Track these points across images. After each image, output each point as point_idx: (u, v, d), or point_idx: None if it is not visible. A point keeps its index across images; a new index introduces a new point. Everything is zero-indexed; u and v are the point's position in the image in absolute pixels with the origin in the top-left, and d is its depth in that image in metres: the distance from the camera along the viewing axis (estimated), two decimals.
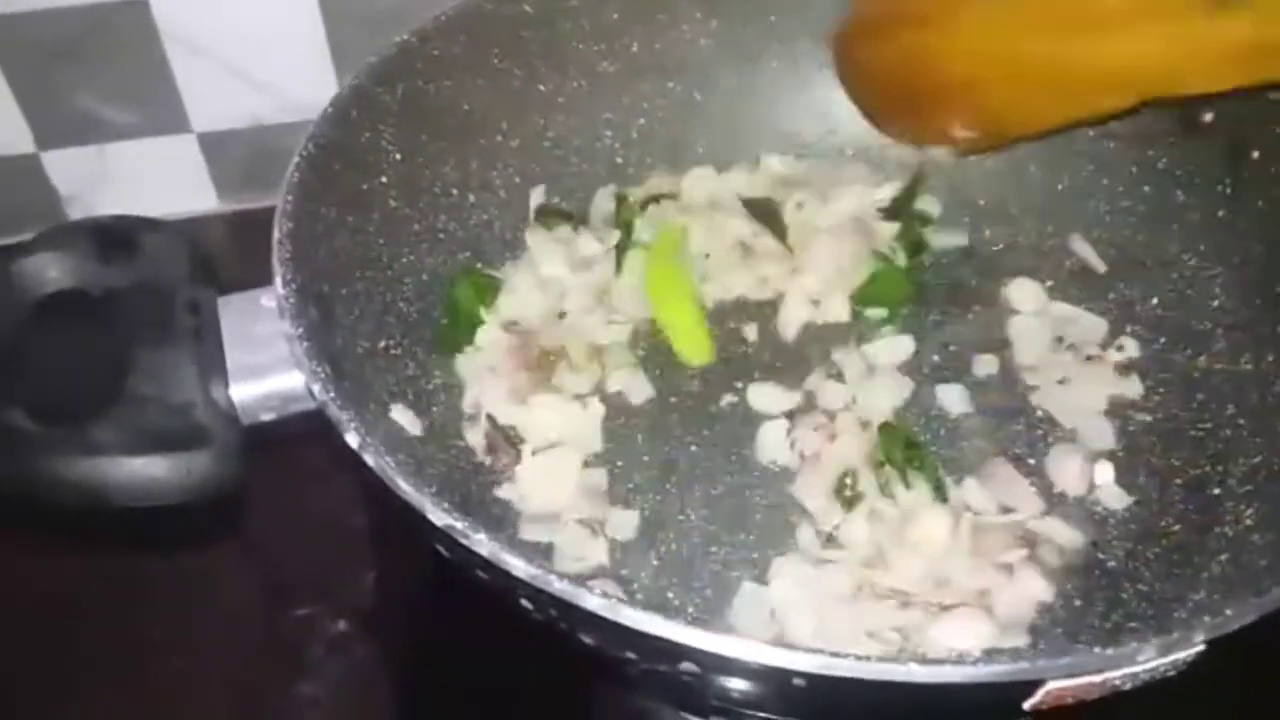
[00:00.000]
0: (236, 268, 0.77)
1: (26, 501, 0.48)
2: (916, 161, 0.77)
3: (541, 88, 0.74)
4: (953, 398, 0.67)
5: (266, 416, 0.51)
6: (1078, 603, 0.58)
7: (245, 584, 0.66)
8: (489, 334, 0.68)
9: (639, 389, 0.67)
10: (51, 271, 0.51)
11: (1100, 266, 0.73)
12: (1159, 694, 0.45)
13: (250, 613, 0.65)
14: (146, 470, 0.46)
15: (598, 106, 0.76)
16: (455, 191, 0.70)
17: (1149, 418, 0.66)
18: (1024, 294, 0.72)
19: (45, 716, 0.61)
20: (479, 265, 0.71)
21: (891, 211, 0.76)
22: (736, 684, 0.45)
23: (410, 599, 0.66)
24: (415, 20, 0.67)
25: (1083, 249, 0.74)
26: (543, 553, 0.60)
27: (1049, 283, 0.73)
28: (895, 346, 0.69)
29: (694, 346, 0.69)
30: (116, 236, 0.52)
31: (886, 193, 0.78)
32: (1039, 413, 0.66)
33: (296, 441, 0.54)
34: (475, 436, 0.64)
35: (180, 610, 0.65)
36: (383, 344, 0.61)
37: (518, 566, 0.42)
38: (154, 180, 0.86)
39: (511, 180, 0.73)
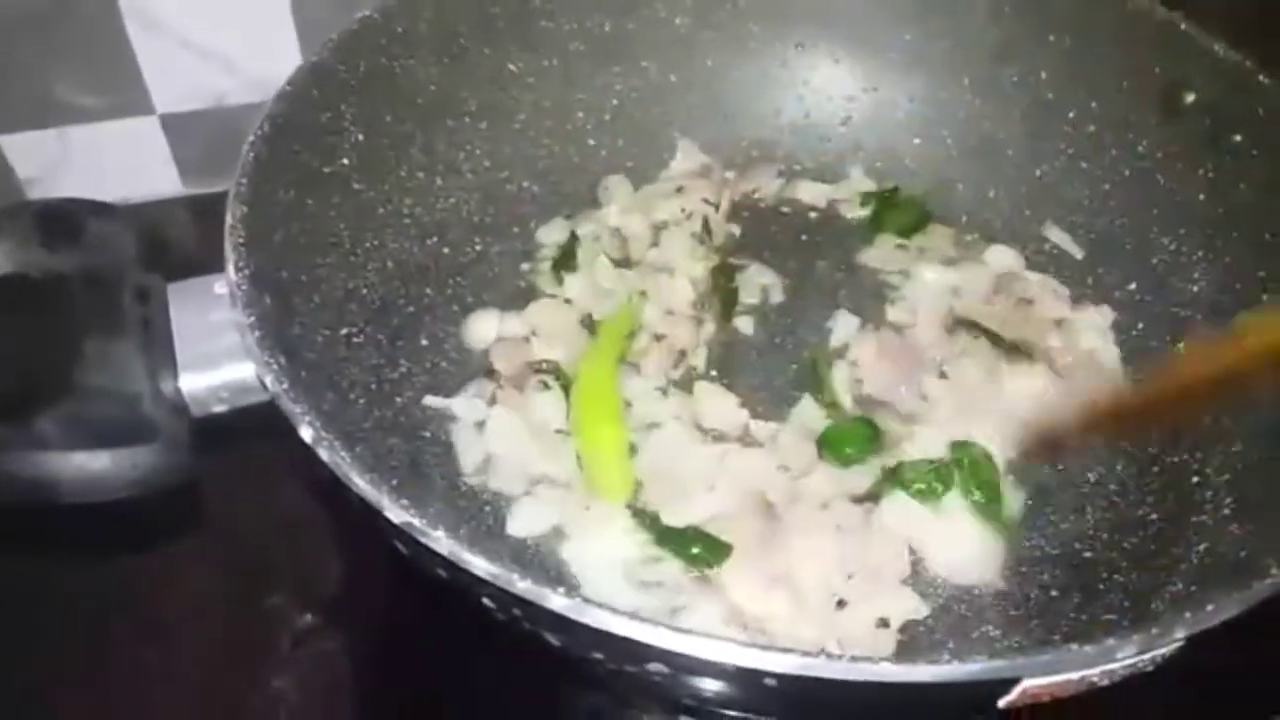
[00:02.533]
0: (200, 253, 0.74)
1: None
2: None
3: (511, 67, 0.72)
4: None
5: (218, 408, 0.49)
6: (1054, 594, 0.57)
7: (212, 578, 0.64)
8: None
9: None
10: None
11: (1077, 252, 0.73)
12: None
13: (217, 607, 0.63)
14: (91, 465, 0.44)
15: (569, 87, 0.75)
16: (421, 174, 0.68)
17: None
18: (1002, 259, 0.73)
19: (9, 711, 0.59)
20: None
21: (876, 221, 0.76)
22: (708, 684, 0.44)
23: (377, 590, 0.65)
24: None
25: (1058, 236, 0.73)
26: (510, 552, 0.58)
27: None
28: None
29: (612, 482, 0.60)
30: (61, 221, 0.50)
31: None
32: None
33: (261, 431, 0.52)
34: None
35: (146, 606, 0.63)
36: (344, 332, 0.59)
37: (478, 565, 0.40)
38: (116, 163, 0.84)
39: (480, 163, 0.72)
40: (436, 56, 0.68)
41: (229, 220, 0.51)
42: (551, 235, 0.73)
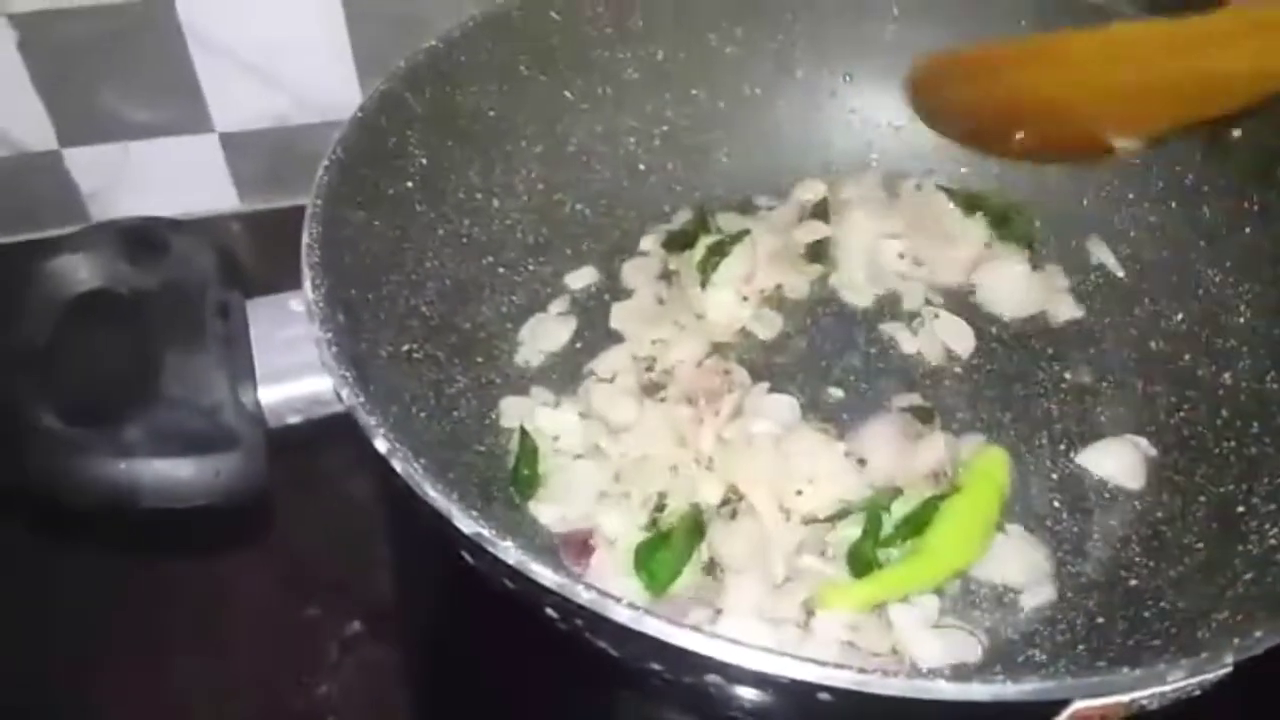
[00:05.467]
0: (257, 267, 0.77)
1: (55, 501, 0.48)
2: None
3: (566, 94, 0.74)
4: None
5: (293, 419, 0.51)
6: (1100, 620, 0.58)
7: (268, 584, 0.66)
8: None
9: None
10: (81, 272, 0.51)
11: (1119, 270, 0.74)
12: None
13: (273, 613, 0.65)
14: (175, 472, 0.46)
15: (622, 113, 0.76)
16: (479, 196, 0.70)
17: (1173, 435, 0.65)
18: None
19: (74, 711, 0.61)
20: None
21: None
22: (761, 696, 0.45)
23: (431, 601, 0.66)
24: (437, 22, 0.68)
25: (1103, 253, 0.74)
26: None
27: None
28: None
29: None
30: (145, 238, 0.52)
31: None
32: None
33: (318, 443, 0.54)
34: None
35: (204, 610, 0.65)
36: (405, 348, 0.61)
37: (545, 576, 0.42)
38: (176, 179, 0.87)
39: (534, 186, 0.73)
40: (496, 84, 0.70)
41: (305, 239, 0.53)
42: (579, 281, 0.74)
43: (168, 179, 0.87)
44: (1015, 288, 0.73)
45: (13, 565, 0.66)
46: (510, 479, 0.63)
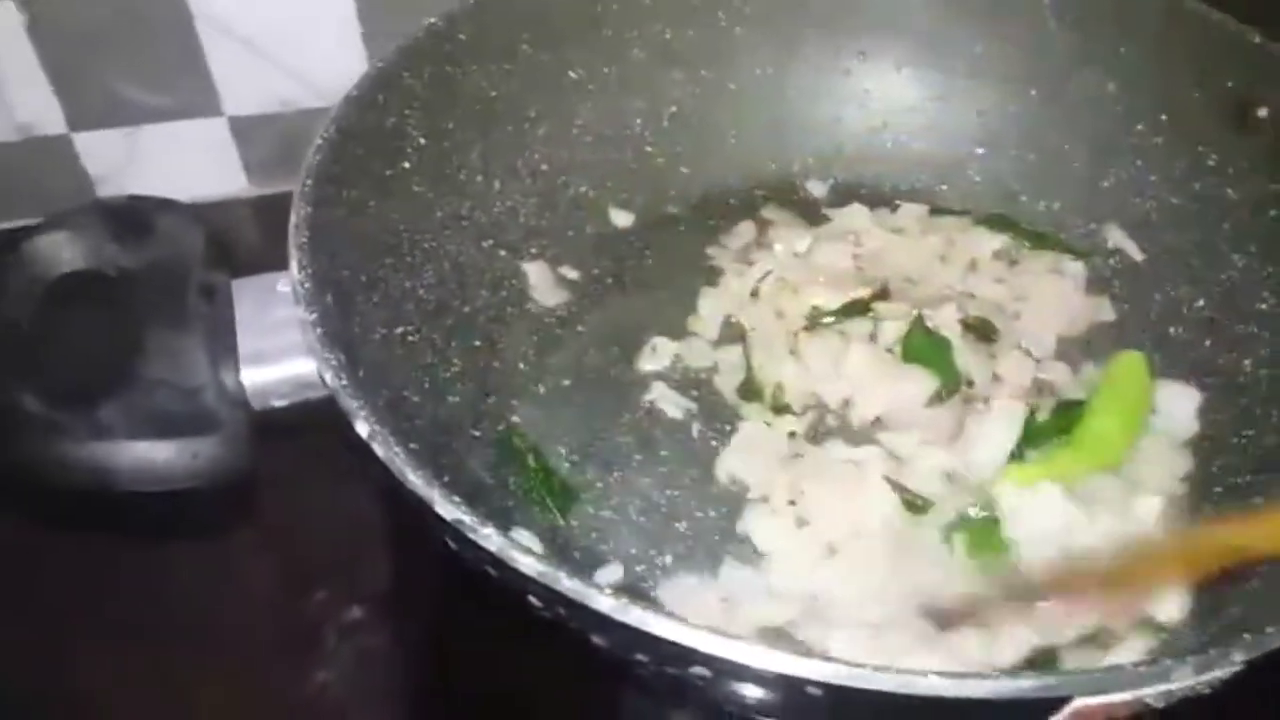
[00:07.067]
0: (264, 252, 0.76)
1: (37, 484, 0.48)
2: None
3: (571, 74, 0.73)
4: None
5: (278, 402, 0.50)
6: None
7: (263, 570, 0.66)
8: None
9: None
10: (65, 252, 0.50)
11: (1138, 254, 0.72)
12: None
13: (268, 599, 0.65)
14: (153, 454, 0.45)
15: (628, 94, 0.75)
16: (480, 178, 0.69)
17: None
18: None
19: (62, 699, 0.61)
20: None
21: None
22: (749, 690, 0.44)
23: (426, 586, 0.65)
24: (446, 3, 0.67)
25: (1121, 240, 0.72)
26: (556, 549, 0.59)
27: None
28: None
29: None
30: (131, 217, 0.52)
31: None
32: None
33: (316, 427, 0.53)
34: None
35: (198, 596, 0.65)
36: (400, 331, 0.60)
37: (526, 563, 0.41)
38: (185, 163, 0.86)
39: (538, 167, 0.72)
40: (498, 63, 0.69)
41: (293, 220, 0.52)
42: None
43: (177, 163, 0.86)
44: (1060, 310, 0.70)
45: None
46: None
